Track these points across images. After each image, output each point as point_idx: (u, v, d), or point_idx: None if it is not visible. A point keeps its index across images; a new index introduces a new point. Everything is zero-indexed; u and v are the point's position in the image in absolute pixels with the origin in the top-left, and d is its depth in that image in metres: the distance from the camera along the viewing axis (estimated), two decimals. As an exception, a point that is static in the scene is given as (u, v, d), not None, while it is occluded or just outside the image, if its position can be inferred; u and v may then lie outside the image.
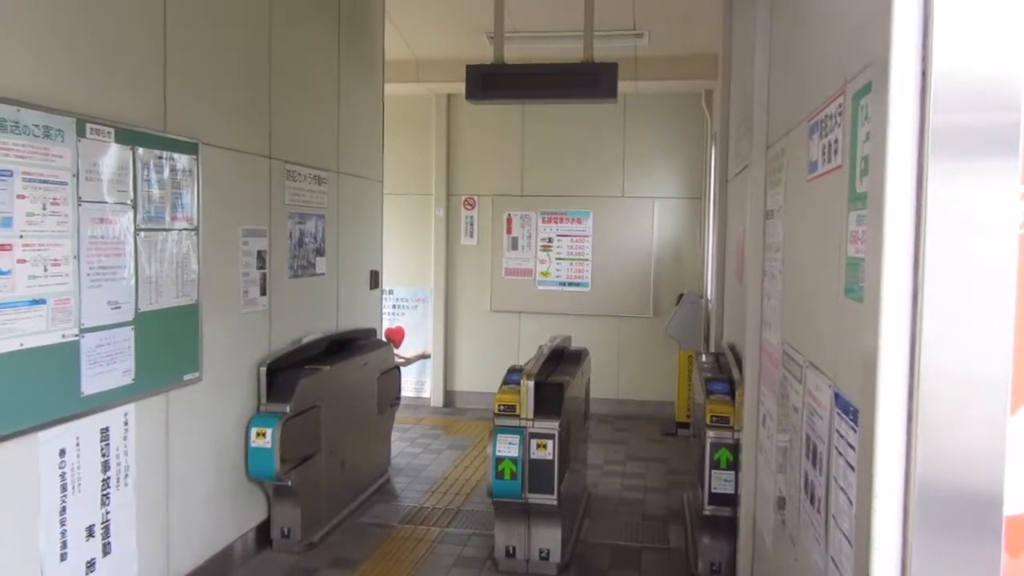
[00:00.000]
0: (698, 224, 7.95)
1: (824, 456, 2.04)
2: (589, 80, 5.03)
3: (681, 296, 7.55)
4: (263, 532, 4.56)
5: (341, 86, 5.54)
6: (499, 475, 4.04)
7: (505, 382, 4.30)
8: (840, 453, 1.85)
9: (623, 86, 5.11)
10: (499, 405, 4.16)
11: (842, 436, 1.84)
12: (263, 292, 4.50)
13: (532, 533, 4.27)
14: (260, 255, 4.46)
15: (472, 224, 8.39)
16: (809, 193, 2.45)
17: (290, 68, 4.81)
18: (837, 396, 1.92)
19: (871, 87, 1.66)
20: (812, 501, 2.17)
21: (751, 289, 3.54)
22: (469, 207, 8.39)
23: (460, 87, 5.31)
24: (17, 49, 2.77)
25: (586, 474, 5.73)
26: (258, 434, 4.23)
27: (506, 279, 8.28)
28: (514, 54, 5.19)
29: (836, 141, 2.05)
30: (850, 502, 1.73)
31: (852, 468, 1.73)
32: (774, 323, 3.06)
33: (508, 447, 4.02)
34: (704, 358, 5.27)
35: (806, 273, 2.50)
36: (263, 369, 4.39)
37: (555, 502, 4.07)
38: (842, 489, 1.83)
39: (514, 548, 4.30)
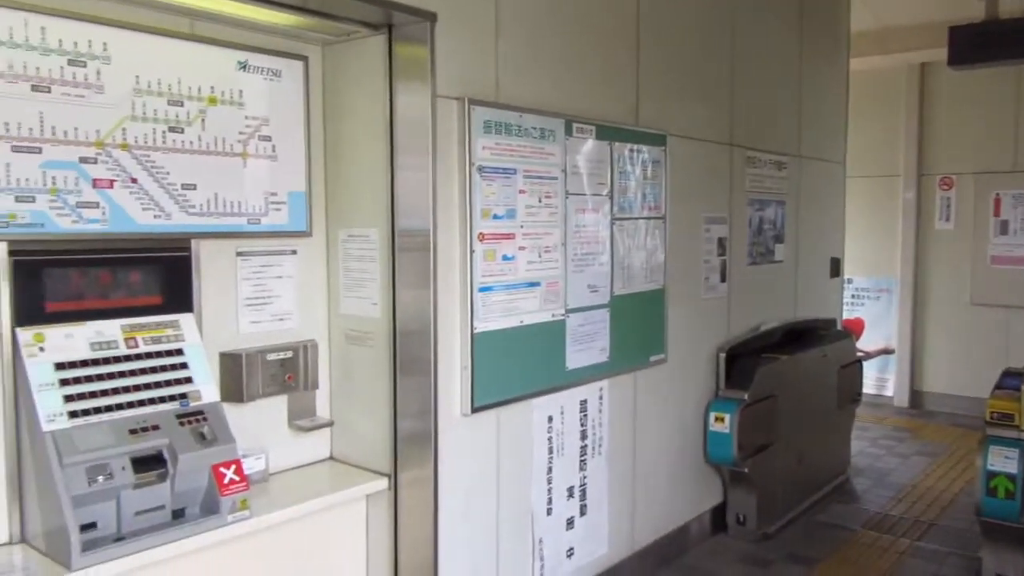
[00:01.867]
0: None
1: None
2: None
3: None
4: (717, 516, 4.61)
5: (803, 65, 5.32)
6: (990, 492, 3.54)
7: (999, 387, 3.75)
8: None
9: None
10: (991, 412, 3.64)
11: None
12: (723, 279, 4.53)
13: (1030, 564, 3.67)
14: (720, 242, 4.50)
15: (948, 206, 7.46)
16: None
17: (751, 53, 4.75)
18: None
19: None
20: None
21: None
22: (945, 187, 7.47)
23: (936, 54, 4.77)
24: (520, 67, 3.16)
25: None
26: (717, 419, 4.28)
27: (992, 268, 7.20)
28: (1011, 6, 4.46)
29: None
30: None
31: None
32: None
33: (1003, 461, 3.49)
34: None
35: None
36: (722, 355, 4.43)
37: (1065, 532, 3.45)
38: None
39: (1006, 577, 3.74)
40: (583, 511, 3.58)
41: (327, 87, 2.97)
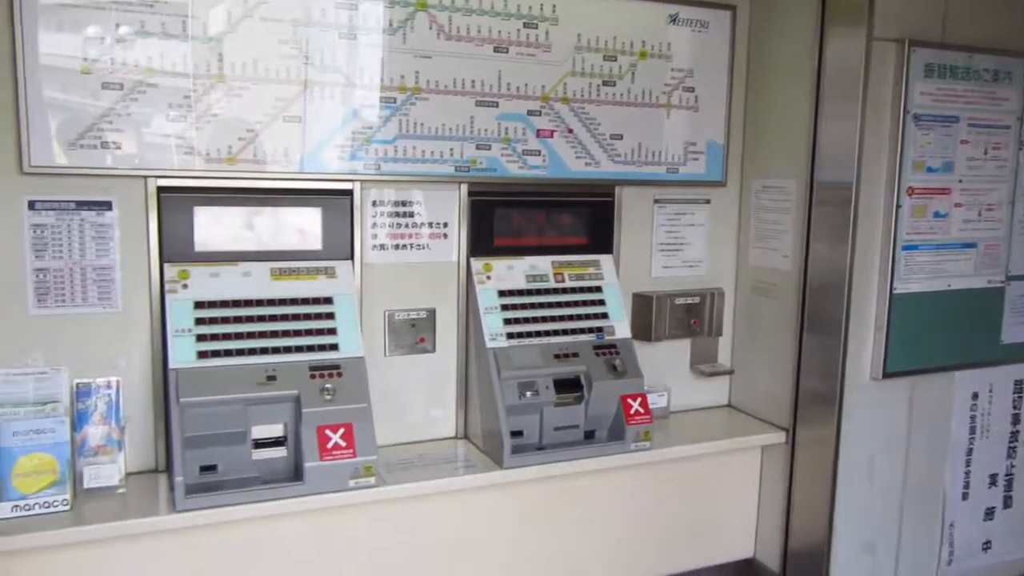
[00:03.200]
0: None
1: None
2: None
3: None
4: None
5: None
6: None
7: None
8: None
9: None
10: None
11: None
12: None
13: None
14: None
15: None
16: None
17: None
18: None
19: None
20: None
21: None
22: None
23: None
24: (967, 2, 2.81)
25: None
26: None
27: None
28: None
29: None
30: None
31: None
32: None
33: None
34: None
35: None
36: None
37: None
38: None
39: None
40: (1007, 503, 3.19)
41: (753, 36, 2.94)
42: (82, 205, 2.16)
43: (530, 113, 2.62)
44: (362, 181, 2.46)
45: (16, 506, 1.99)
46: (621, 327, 2.70)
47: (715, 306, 2.99)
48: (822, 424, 2.78)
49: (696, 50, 2.84)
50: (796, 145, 2.79)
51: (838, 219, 2.68)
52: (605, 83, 2.71)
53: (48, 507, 2.02)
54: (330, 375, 2.27)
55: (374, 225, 2.51)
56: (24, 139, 2.06)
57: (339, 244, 2.46)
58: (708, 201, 2.99)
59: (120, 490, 2.17)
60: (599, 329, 2.67)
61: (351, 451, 2.20)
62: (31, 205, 2.11)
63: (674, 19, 2.79)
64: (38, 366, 2.14)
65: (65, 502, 2.03)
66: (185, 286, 2.23)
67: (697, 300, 2.97)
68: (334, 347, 2.32)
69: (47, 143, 2.09)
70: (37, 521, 1.99)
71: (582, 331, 2.65)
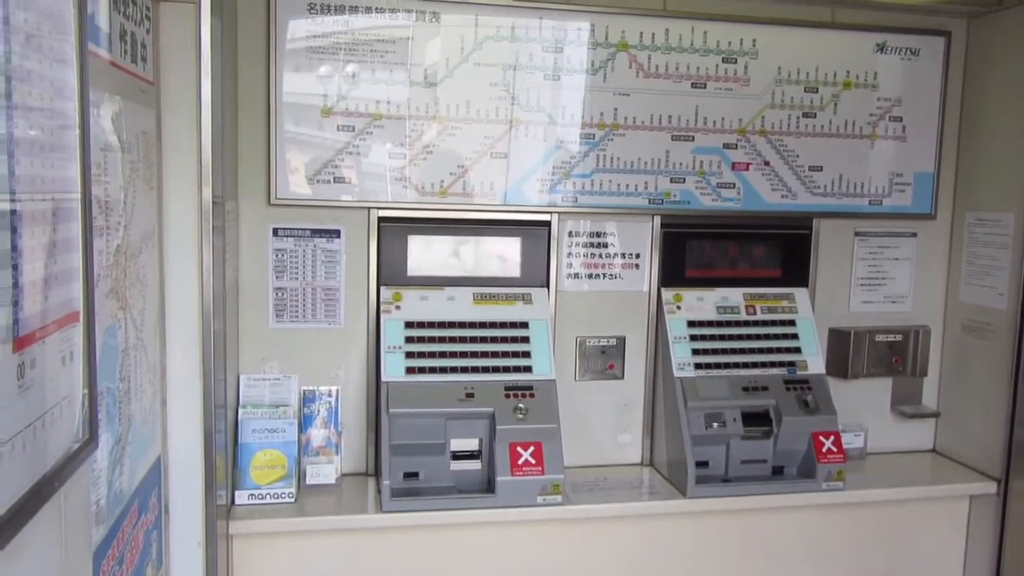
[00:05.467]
0: None
1: None
2: None
3: None
4: None
5: None
6: None
7: None
8: None
9: None
10: None
11: None
12: None
13: None
14: None
15: None
16: None
17: None
18: None
19: None
20: None
21: None
22: None
23: None
24: None
25: None
26: None
27: None
28: None
29: None
30: None
31: None
32: None
33: None
34: None
35: None
36: None
37: None
38: None
39: None
40: None
41: (969, 62, 2.80)
42: (316, 233, 2.44)
43: (726, 146, 2.65)
44: (560, 213, 2.59)
45: (252, 495, 2.28)
46: (815, 362, 2.64)
47: (920, 344, 2.85)
48: (1040, 477, 2.58)
49: (905, 78, 2.74)
50: (1016, 176, 2.62)
51: (1064, 257, 2.49)
52: (805, 115, 2.68)
53: (277, 498, 2.29)
54: (523, 395, 2.40)
55: (569, 255, 2.63)
56: (273, 174, 2.37)
57: (536, 272, 2.60)
58: (915, 234, 2.86)
59: (336, 489, 2.41)
60: (791, 363, 2.63)
61: (540, 468, 2.32)
62: (275, 232, 2.42)
63: (882, 48, 2.71)
64: (274, 373, 2.44)
65: (291, 495, 2.30)
66: (398, 307, 2.45)
67: (900, 337, 2.84)
68: (528, 369, 2.45)
69: (289, 178, 2.38)
70: (268, 509, 2.26)
71: (772, 364, 2.62)
